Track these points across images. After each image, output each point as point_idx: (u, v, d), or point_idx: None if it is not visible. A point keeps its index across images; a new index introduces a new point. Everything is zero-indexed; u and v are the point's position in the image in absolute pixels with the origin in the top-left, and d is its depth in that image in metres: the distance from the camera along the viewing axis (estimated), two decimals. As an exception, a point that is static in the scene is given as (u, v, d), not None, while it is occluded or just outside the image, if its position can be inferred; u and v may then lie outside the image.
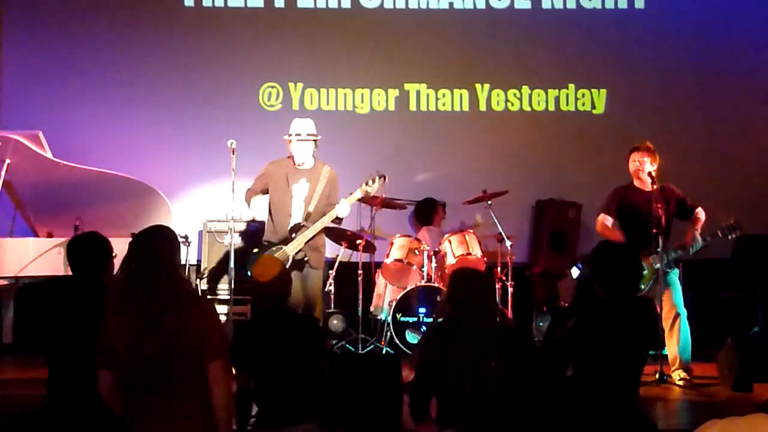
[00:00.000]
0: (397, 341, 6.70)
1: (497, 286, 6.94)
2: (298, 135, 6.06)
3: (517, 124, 8.29)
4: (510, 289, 6.96)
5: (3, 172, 6.43)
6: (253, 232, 7.44)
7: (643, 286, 5.85)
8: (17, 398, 5.29)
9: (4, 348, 6.93)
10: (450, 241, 7.06)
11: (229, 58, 8.20)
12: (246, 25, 8.25)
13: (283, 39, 8.26)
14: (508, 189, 7.28)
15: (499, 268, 7.01)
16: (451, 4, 8.28)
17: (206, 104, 8.12)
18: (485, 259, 7.02)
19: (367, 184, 6.15)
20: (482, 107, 8.27)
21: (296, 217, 6.06)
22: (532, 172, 8.19)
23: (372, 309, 7.27)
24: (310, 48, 8.25)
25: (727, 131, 8.26)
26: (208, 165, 7.86)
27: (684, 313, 6.00)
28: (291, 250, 5.94)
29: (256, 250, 6.09)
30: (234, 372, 3.81)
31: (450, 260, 6.98)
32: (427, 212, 7.78)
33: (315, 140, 6.11)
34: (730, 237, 6.09)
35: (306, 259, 5.98)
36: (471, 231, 7.22)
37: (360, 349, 6.79)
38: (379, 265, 7.26)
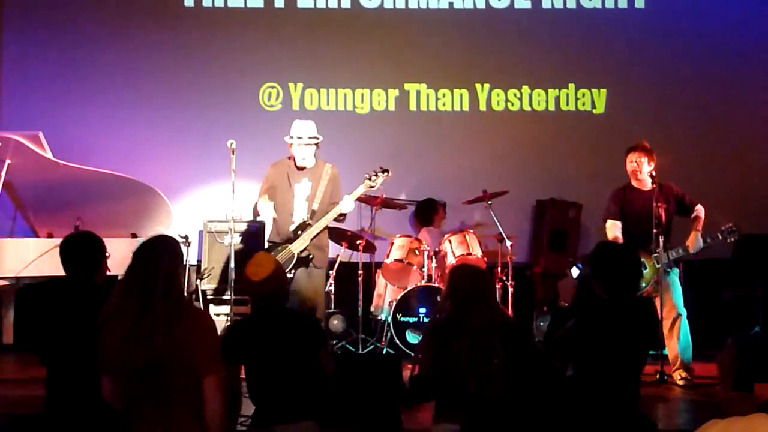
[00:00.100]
0: (398, 341, 6.70)
1: (498, 286, 6.95)
2: (300, 138, 6.04)
3: (518, 124, 8.29)
4: (510, 289, 6.96)
5: (3, 173, 6.43)
6: (254, 233, 7.44)
7: (644, 285, 5.85)
8: (17, 398, 5.29)
9: (5, 348, 6.94)
10: (450, 241, 7.06)
11: (229, 59, 8.20)
12: (246, 26, 8.25)
13: (283, 39, 8.25)
14: (508, 189, 7.29)
15: (499, 268, 7.02)
16: (451, 4, 8.28)
17: (206, 104, 8.12)
18: (485, 259, 7.02)
19: (370, 178, 6.14)
20: (482, 107, 8.27)
21: (299, 216, 6.05)
22: (532, 172, 8.19)
23: (372, 309, 7.27)
24: (311, 48, 8.25)
25: (727, 131, 8.26)
26: (208, 165, 7.85)
27: (684, 313, 6.01)
28: (296, 248, 5.93)
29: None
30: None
31: (450, 260, 6.98)
32: (427, 213, 7.78)
33: (317, 143, 6.09)
34: (729, 240, 6.10)
35: (311, 257, 5.97)
36: (471, 231, 7.22)
37: (360, 349, 6.79)
38: (379, 265, 7.26)
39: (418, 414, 3.82)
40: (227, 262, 6.51)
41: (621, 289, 3.71)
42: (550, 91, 8.26)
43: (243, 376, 3.82)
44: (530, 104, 8.27)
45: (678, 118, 8.23)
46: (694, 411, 5.35)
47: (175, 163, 8.05)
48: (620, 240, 6.00)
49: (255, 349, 3.75)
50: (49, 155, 6.52)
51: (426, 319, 6.72)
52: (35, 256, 6.27)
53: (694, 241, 6.02)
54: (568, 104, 8.28)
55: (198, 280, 7.33)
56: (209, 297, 7.37)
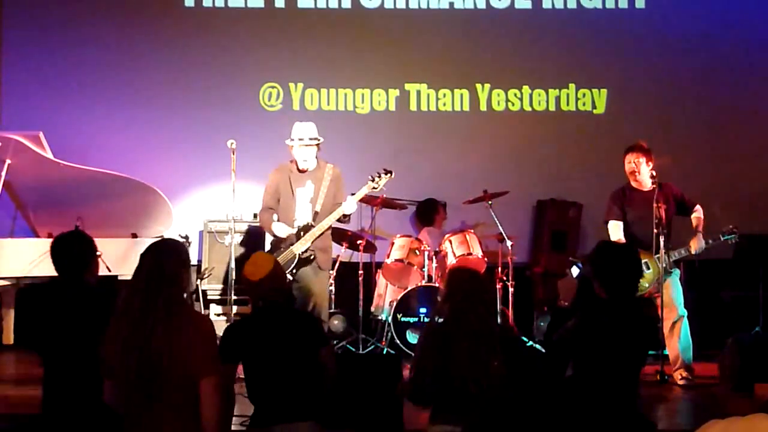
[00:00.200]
0: (398, 341, 6.70)
1: (498, 286, 6.95)
2: (301, 140, 6.01)
3: (518, 124, 8.29)
4: (511, 289, 6.96)
5: (3, 173, 6.43)
6: (254, 233, 7.45)
7: (647, 286, 5.85)
8: (17, 398, 5.29)
9: (5, 348, 6.94)
10: (451, 241, 7.05)
11: (230, 58, 8.20)
12: (246, 25, 8.25)
13: (283, 39, 8.25)
14: (508, 189, 7.28)
15: (499, 268, 7.01)
16: (451, 3, 8.28)
17: (206, 104, 8.12)
18: (486, 259, 7.02)
19: (373, 180, 6.11)
20: (483, 107, 8.27)
21: (300, 220, 6.01)
22: (532, 172, 8.19)
23: (373, 309, 7.27)
24: (311, 48, 8.25)
25: (728, 131, 8.26)
26: (208, 165, 7.85)
27: (685, 313, 6.00)
28: (297, 249, 5.90)
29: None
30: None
31: (451, 260, 6.97)
32: (428, 213, 7.78)
33: (318, 144, 6.06)
34: (730, 242, 6.10)
35: (312, 258, 5.94)
36: (472, 231, 7.22)
37: (361, 349, 6.79)
38: (379, 265, 7.26)
39: (420, 414, 3.82)
40: (227, 262, 6.50)
41: (621, 289, 3.71)
42: (550, 91, 8.26)
43: (242, 376, 3.82)
44: (531, 104, 8.27)
45: (678, 118, 8.23)
46: (694, 411, 5.35)
47: (175, 163, 8.05)
48: (623, 241, 5.99)
49: (254, 348, 3.74)
50: (49, 155, 6.52)
51: (426, 319, 6.72)
52: (35, 257, 6.27)
53: (697, 242, 6.02)
54: (568, 104, 8.28)
55: (198, 280, 7.33)
56: (211, 297, 7.37)
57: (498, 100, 8.27)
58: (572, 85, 8.26)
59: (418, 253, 6.98)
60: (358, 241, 6.98)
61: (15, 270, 6.25)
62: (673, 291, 6.01)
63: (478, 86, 8.26)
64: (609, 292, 3.71)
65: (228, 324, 4.91)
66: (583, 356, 3.69)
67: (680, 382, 5.88)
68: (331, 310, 7.14)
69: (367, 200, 6.98)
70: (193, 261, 7.44)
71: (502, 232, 6.95)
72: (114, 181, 6.81)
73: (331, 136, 6.19)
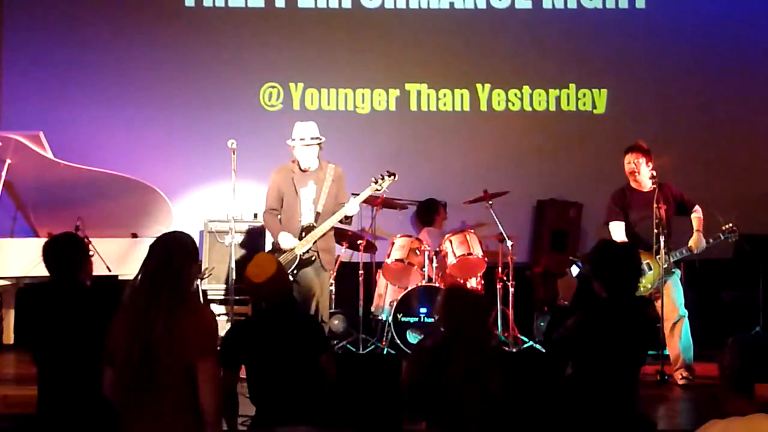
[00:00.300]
0: (398, 341, 6.69)
1: (498, 286, 6.96)
2: (303, 140, 5.99)
3: (518, 124, 8.29)
4: (511, 289, 6.95)
5: (4, 173, 6.43)
6: (255, 233, 7.45)
7: (650, 286, 5.86)
8: (17, 398, 5.29)
9: (5, 348, 6.94)
10: (451, 241, 7.05)
11: (230, 58, 8.20)
12: (246, 25, 8.25)
13: (283, 39, 8.25)
14: (508, 189, 7.28)
15: (500, 268, 7.01)
16: (451, 4, 8.28)
17: (207, 104, 8.12)
18: (486, 259, 7.02)
19: (376, 182, 6.08)
20: (483, 107, 8.27)
21: (305, 221, 6.00)
22: (532, 172, 8.19)
23: (373, 309, 7.27)
24: (311, 48, 8.25)
25: (728, 131, 8.26)
26: (208, 165, 7.85)
27: (686, 313, 6.00)
28: (299, 249, 5.88)
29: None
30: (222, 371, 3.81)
31: (451, 260, 6.98)
32: (428, 213, 7.78)
33: (319, 143, 6.05)
34: (730, 241, 6.10)
35: (314, 259, 5.93)
36: (472, 231, 7.21)
37: (361, 349, 6.78)
38: (380, 265, 7.26)
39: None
40: (228, 262, 6.50)
41: (620, 288, 3.71)
42: (550, 91, 8.26)
43: (243, 376, 3.82)
44: (531, 104, 8.27)
45: (679, 117, 8.23)
46: (694, 411, 5.35)
47: (175, 162, 8.05)
48: (625, 241, 5.99)
49: (256, 351, 3.73)
50: (50, 155, 6.52)
51: (427, 319, 6.72)
52: (35, 257, 6.26)
53: (698, 242, 6.02)
54: (568, 104, 8.28)
55: (198, 280, 7.34)
56: (211, 297, 7.37)
57: (498, 100, 8.27)
58: (572, 85, 8.27)
59: (418, 253, 6.97)
60: (359, 241, 6.98)
61: (15, 270, 6.25)
62: (674, 291, 6.00)
63: (478, 86, 8.27)
64: (609, 291, 3.71)
65: (229, 326, 4.91)
66: (582, 355, 3.69)
67: (680, 382, 5.88)
68: (332, 310, 7.13)
69: (367, 200, 6.96)
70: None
71: (503, 232, 6.95)
72: (114, 181, 6.81)
73: (332, 136, 6.18)
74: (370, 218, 7.30)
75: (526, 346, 6.89)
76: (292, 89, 8.22)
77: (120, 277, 6.67)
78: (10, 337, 7.02)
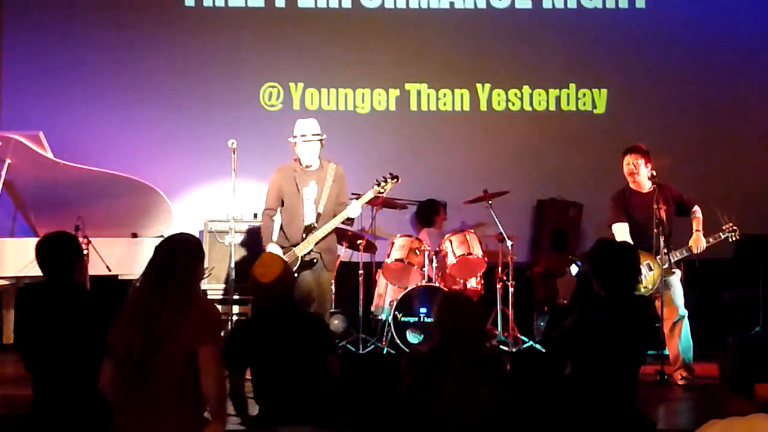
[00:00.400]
0: (398, 341, 6.69)
1: (498, 285, 6.96)
2: (304, 136, 5.97)
3: (518, 124, 8.29)
4: (511, 289, 6.95)
5: (3, 172, 6.44)
6: (255, 233, 7.44)
7: (651, 287, 5.86)
8: (18, 398, 5.28)
9: (5, 348, 6.93)
10: (451, 241, 7.05)
11: (230, 58, 8.20)
12: (247, 25, 8.25)
13: (283, 39, 8.25)
14: (508, 189, 7.28)
15: (499, 268, 7.01)
16: (451, 3, 8.28)
17: (207, 104, 8.12)
18: (486, 259, 7.02)
19: (379, 184, 6.06)
20: (483, 107, 8.27)
21: (308, 221, 5.98)
22: (532, 172, 8.19)
23: (373, 309, 7.27)
24: (311, 48, 8.25)
25: (728, 131, 8.26)
26: (208, 165, 7.85)
27: (686, 314, 6.00)
28: (300, 251, 5.85)
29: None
30: (227, 373, 3.81)
31: (451, 260, 6.97)
32: (428, 214, 7.77)
33: (321, 140, 6.02)
34: (730, 239, 6.10)
35: (315, 260, 5.91)
36: (472, 231, 7.21)
37: (361, 349, 6.78)
38: (379, 265, 7.25)
39: None
40: (228, 262, 6.50)
41: (619, 287, 3.71)
42: (550, 91, 8.26)
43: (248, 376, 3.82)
44: (531, 104, 8.27)
45: (679, 118, 8.24)
46: (694, 411, 5.35)
47: (175, 162, 8.05)
48: (630, 242, 5.98)
49: (262, 350, 3.73)
50: (50, 155, 6.53)
51: (427, 319, 6.72)
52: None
53: (698, 241, 6.02)
54: (568, 104, 8.28)
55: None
56: (211, 297, 7.37)
57: (498, 100, 8.27)
58: (572, 85, 8.27)
59: (418, 253, 6.97)
60: (358, 241, 6.98)
61: (15, 269, 6.25)
62: (674, 291, 6.01)
63: (478, 86, 8.27)
64: (607, 290, 3.72)
65: (233, 327, 4.91)
66: (581, 354, 3.69)
67: (680, 382, 5.88)
68: (332, 310, 7.13)
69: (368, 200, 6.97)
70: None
71: (502, 232, 6.95)
72: (114, 181, 6.82)
73: (332, 135, 6.18)
74: (370, 218, 7.29)
75: (525, 345, 6.89)
76: (292, 89, 8.22)
77: (120, 277, 6.67)
78: (10, 337, 7.01)
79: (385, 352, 6.71)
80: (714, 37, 8.27)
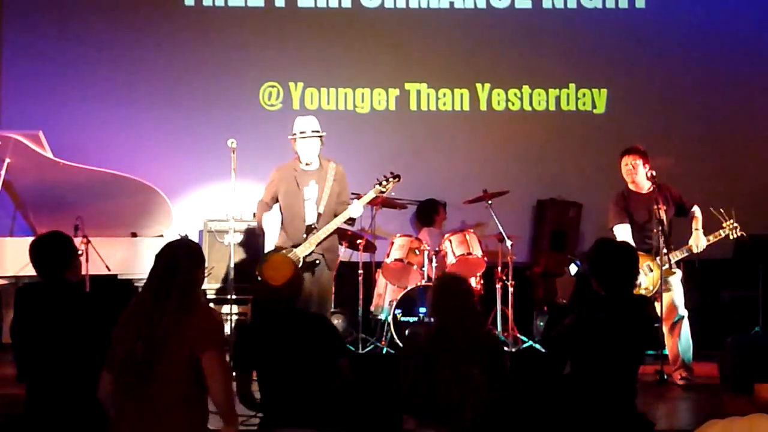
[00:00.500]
0: (398, 341, 6.69)
1: (498, 285, 6.95)
2: (303, 133, 5.96)
3: (518, 124, 8.29)
4: (510, 289, 6.95)
5: (3, 172, 6.43)
6: (254, 232, 7.44)
7: (652, 288, 5.86)
8: (18, 398, 5.28)
9: (5, 348, 6.93)
10: (450, 241, 7.05)
11: (230, 58, 8.20)
12: (246, 25, 8.24)
13: (283, 38, 8.25)
14: (508, 189, 7.28)
15: (499, 268, 7.01)
16: (451, 3, 8.28)
17: (206, 104, 8.12)
18: (486, 258, 7.02)
19: (380, 184, 6.04)
20: (483, 107, 8.27)
21: (308, 221, 5.98)
22: (532, 172, 8.19)
23: (372, 309, 7.27)
24: (311, 47, 8.25)
25: (728, 131, 8.26)
26: (208, 165, 7.84)
27: (686, 314, 6.01)
28: (301, 252, 5.83)
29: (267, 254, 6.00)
30: (235, 374, 3.81)
31: (450, 260, 6.97)
32: (428, 213, 7.77)
33: (320, 137, 6.00)
34: (731, 237, 6.10)
35: (317, 262, 5.89)
36: (471, 230, 7.22)
37: (360, 349, 6.79)
38: (379, 264, 7.25)
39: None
40: (227, 262, 6.50)
41: (618, 286, 3.71)
42: (550, 90, 8.26)
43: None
44: (531, 104, 8.27)
45: (678, 118, 8.24)
46: (694, 411, 5.35)
47: (175, 162, 8.05)
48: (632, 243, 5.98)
49: (269, 352, 3.72)
50: (49, 154, 6.52)
51: (427, 319, 6.72)
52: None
53: (698, 240, 6.02)
54: (568, 104, 8.28)
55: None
56: (211, 297, 7.37)
57: (498, 100, 8.27)
58: (572, 85, 8.27)
59: (417, 252, 6.97)
60: (358, 241, 6.98)
61: (14, 269, 6.24)
62: (675, 291, 6.01)
63: (478, 86, 8.26)
64: (606, 290, 3.72)
65: (241, 327, 4.89)
66: (580, 353, 3.69)
67: (680, 382, 5.89)
68: (331, 310, 7.13)
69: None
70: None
71: (502, 232, 6.95)
72: (114, 181, 6.81)
73: (331, 135, 6.18)
74: (369, 218, 7.29)
75: (525, 345, 6.90)
76: (291, 89, 8.22)
77: (119, 277, 6.67)
78: (9, 337, 7.00)
79: (384, 351, 6.71)
80: (714, 36, 8.27)
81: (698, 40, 8.28)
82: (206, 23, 8.22)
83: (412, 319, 6.78)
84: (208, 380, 3.17)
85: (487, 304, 7.03)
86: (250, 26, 8.25)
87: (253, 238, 7.40)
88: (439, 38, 8.31)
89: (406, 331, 6.62)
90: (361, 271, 6.93)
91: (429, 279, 6.93)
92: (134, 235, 7.00)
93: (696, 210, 6.16)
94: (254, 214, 6.36)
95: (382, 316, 7.13)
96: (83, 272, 6.09)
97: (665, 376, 5.88)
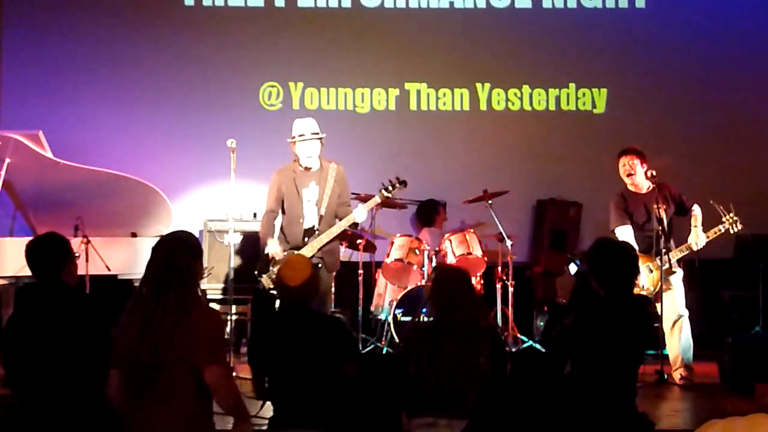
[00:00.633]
0: (398, 341, 6.69)
1: (498, 285, 6.95)
2: (302, 136, 5.95)
3: (518, 124, 8.29)
4: (510, 289, 6.95)
5: (3, 172, 6.42)
6: (254, 232, 7.44)
7: (653, 289, 5.86)
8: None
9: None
10: (450, 241, 7.05)
11: (230, 58, 8.20)
12: (246, 25, 8.24)
13: (283, 38, 8.25)
14: (508, 188, 7.28)
15: (499, 268, 7.01)
16: (451, 3, 8.28)
17: (206, 104, 8.12)
18: (486, 258, 7.02)
19: (386, 189, 6.03)
20: (483, 107, 8.27)
21: (308, 223, 5.97)
22: (532, 172, 8.19)
23: (372, 309, 7.27)
24: (311, 47, 8.25)
25: (728, 131, 8.26)
26: (208, 165, 7.84)
27: (686, 313, 6.01)
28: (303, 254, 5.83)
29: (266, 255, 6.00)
30: (251, 372, 3.81)
31: (450, 260, 6.97)
32: (428, 214, 7.78)
33: (320, 139, 5.99)
34: (731, 231, 6.09)
35: (319, 265, 5.88)
36: (471, 230, 7.22)
37: (360, 348, 6.78)
38: (379, 264, 7.25)
39: None
40: (227, 262, 6.50)
41: (617, 286, 3.71)
42: (550, 90, 8.26)
43: (242, 375, 3.81)
44: (531, 104, 8.27)
45: (678, 117, 8.24)
46: (694, 411, 5.35)
47: (175, 162, 8.05)
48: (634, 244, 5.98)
49: (281, 351, 3.71)
50: (49, 154, 6.52)
51: (427, 319, 6.71)
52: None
53: (697, 237, 6.01)
54: (568, 104, 8.28)
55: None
56: (211, 297, 7.37)
57: (498, 100, 8.27)
58: (572, 85, 8.27)
59: (417, 252, 6.97)
60: (358, 241, 6.98)
61: (14, 269, 6.24)
62: (675, 291, 6.01)
63: (478, 86, 8.26)
64: (606, 289, 3.72)
65: (255, 325, 4.86)
66: (580, 353, 3.69)
67: (680, 382, 5.89)
68: (331, 310, 7.13)
69: (366, 199, 6.97)
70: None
71: (502, 232, 6.95)
72: (114, 181, 6.81)
73: (331, 135, 6.18)
74: (369, 218, 7.29)
75: (525, 345, 6.89)
76: (291, 88, 8.21)
77: (119, 277, 6.67)
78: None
79: (384, 351, 6.71)
80: (714, 36, 8.27)
81: (698, 40, 8.27)
82: (206, 23, 8.22)
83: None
84: (213, 393, 3.19)
85: (487, 304, 7.02)
86: (250, 26, 8.25)
87: (253, 238, 7.39)
88: (439, 38, 8.31)
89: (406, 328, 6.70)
90: (361, 271, 6.93)
91: (429, 279, 6.92)
92: (134, 235, 7.00)
93: (696, 208, 6.16)
94: (260, 228, 6.30)
95: (382, 316, 7.13)
96: (83, 272, 6.10)
97: (665, 376, 5.87)
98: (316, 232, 5.87)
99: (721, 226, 6.06)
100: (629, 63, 8.28)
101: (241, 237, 7.37)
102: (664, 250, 5.82)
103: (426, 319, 6.66)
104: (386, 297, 7.17)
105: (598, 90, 8.27)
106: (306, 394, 3.68)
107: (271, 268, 5.96)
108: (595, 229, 7.19)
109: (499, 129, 8.29)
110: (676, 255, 5.97)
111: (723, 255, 7.06)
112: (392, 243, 7.08)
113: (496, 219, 7.01)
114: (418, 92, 8.26)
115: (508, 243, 6.93)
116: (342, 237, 6.84)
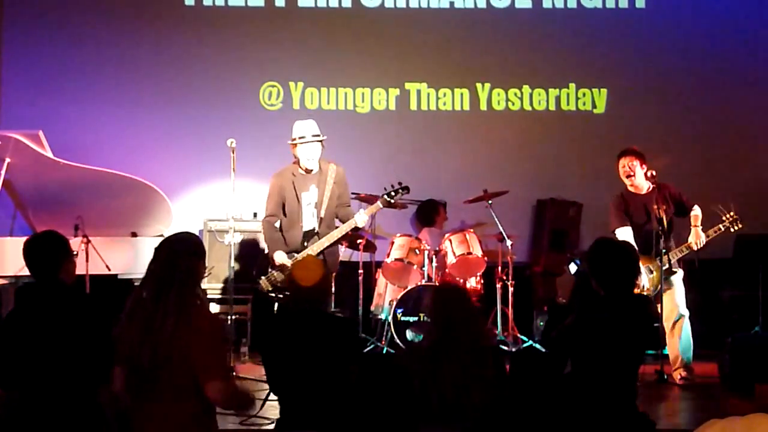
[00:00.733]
0: (398, 341, 6.69)
1: (498, 285, 6.96)
2: (303, 138, 5.95)
3: (518, 124, 8.29)
4: (510, 289, 6.96)
5: (3, 172, 6.43)
6: (254, 232, 7.44)
7: (654, 290, 5.86)
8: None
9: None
10: (451, 241, 7.05)
11: (230, 57, 8.19)
12: (246, 25, 8.24)
13: (283, 38, 8.25)
14: (508, 188, 7.29)
15: (499, 268, 7.02)
16: (451, 3, 8.28)
17: (206, 103, 8.12)
18: (486, 258, 7.02)
19: (389, 194, 6.05)
20: (483, 107, 8.27)
21: (307, 226, 5.96)
22: (532, 172, 8.19)
23: (372, 308, 7.27)
24: (311, 47, 8.25)
25: (728, 131, 8.26)
26: (208, 164, 7.84)
27: (686, 313, 6.01)
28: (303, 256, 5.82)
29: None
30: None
31: (450, 260, 6.98)
32: (428, 213, 7.78)
33: (321, 141, 5.98)
34: (732, 230, 6.09)
35: None
36: (471, 230, 7.22)
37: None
38: (379, 264, 7.26)
39: None
40: (227, 261, 6.50)
41: (617, 285, 3.71)
42: (550, 90, 8.26)
43: (241, 375, 3.81)
44: (531, 104, 8.27)
45: (678, 117, 8.24)
46: (694, 411, 5.35)
47: (175, 162, 8.04)
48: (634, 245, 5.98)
49: (292, 352, 3.71)
50: (49, 154, 6.52)
51: (427, 319, 6.71)
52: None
53: (697, 237, 6.01)
54: (568, 104, 8.28)
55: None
56: (211, 297, 7.37)
57: (498, 100, 8.27)
58: (572, 85, 8.26)
59: (417, 252, 6.98)
60: (358, 241, 6.98)
61: (14, 269, 6.24)
62: (676, 291, 6.01)
63: (478, 86, 8.26)
64: (606, 289, 3.72)
65: (266, 324, 4.84)
66: (581, 353, 3.69)
67: (679, 382, 5.89)
68: (331, 310, 7.13)
69: (367, 200, 6.98)
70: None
71: (502, 232, 6.95)
72: (114, 181, 6.81)
73: (331, 135, 6.18)
74: (369, 218, 7.29)
75: (525, 345, 6.89)
76: (291, 88, 8.21)
77: (119, 276, 6.67)
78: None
79: (384, 351, 6.71)
80: (714, 36, 8.27)
81: (698, 40, 8.27)
82: (206, 23, 8.22)
83: (412, 319, 6.77)
84: (214, 402, 3.20)
85: (487, 303, 7.03)
86: (249, 26, 8.25)
87: (253, 238, 7.40)
88: (440, 37, 8.31)
89: (409, 333, 6.70)
90: (361, 271, 6.93)
91: (429, 279, 6.94)
92: (134, 234, 7.00)
93: (695, 208, 6.16)
94: (263, 234, 6.28)
95: (382, 316, 7.13)
96: (83, 272, 6.10)
97: (665, 376, 5.88)
98: (316, 235, 5.87)
99: (721, 225, 6.06)
100: (629, 63, 8.28)
101: (241, 237, 7.36)
102: (664, 251, 5.82)
103: (426, 319, 6.70)
104: (386, 297, 7.18)
105: (598, 90, 8.27)
106: (316, 395, 3.67)
107: (270, 270, 5.97)
108: (595, 229, 7.17)
109: (499, 129, 8.29)
110: (676, 255, 5.97)
111: (723, 255, 7.06)
112: (392, 243, 7.09)
113: (496, 219, 7.01)
114: (419, 92, 8.26)
115: (508, 243, 6.94)
116: (342, 237, 6.85)
